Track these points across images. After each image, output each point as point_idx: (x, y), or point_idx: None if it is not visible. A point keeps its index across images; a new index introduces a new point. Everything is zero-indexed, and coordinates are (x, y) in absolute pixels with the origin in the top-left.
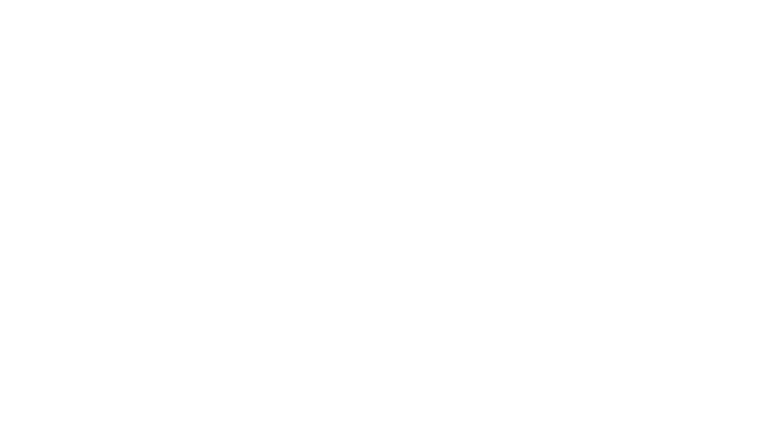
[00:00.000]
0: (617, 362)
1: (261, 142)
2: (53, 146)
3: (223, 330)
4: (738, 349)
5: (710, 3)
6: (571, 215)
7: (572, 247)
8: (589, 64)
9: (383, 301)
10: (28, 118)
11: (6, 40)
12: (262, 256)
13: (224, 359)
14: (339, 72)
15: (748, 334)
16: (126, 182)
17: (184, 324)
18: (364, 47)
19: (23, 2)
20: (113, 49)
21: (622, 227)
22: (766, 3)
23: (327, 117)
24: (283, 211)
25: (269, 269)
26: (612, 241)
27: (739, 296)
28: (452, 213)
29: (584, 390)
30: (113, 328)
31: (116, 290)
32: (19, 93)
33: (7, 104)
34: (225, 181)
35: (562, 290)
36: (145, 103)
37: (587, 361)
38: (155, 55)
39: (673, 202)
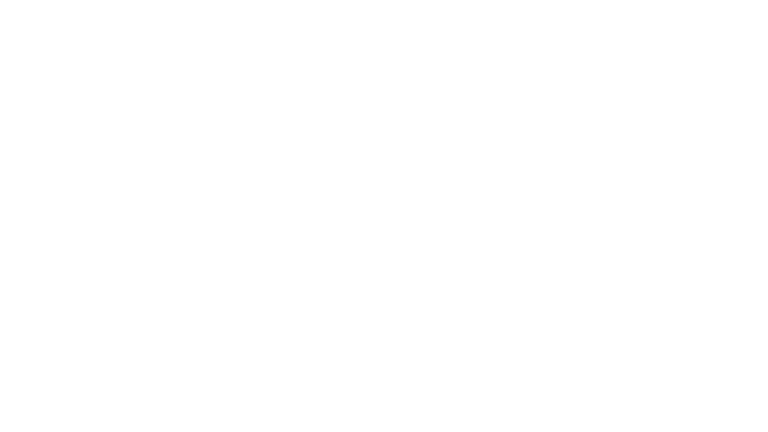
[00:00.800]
0: (617, 362)
1: (261, 142)
2: (53, 146)
3: (223, 330)
4: (738, 349)
5: (710, 3)
6: (571, 215)
7: (572, 247)
8: (589, 64)
9: (383, 301)
10: (28, 118)
11: (6, 40)
12: (262, 256)
13: (224, 359)
14: (339, 72)
15: (748, 334)
16: (126, 182)
17: (184, 324)
18: (364, 47)
19: (23, 2)
20: (113, 49)
21: (622, 227)
22: (766, 3)
23: (327, 117)
24: (283, 211)
25: (269, 269)
26: (612, 241)
27: (739, 296)
28: (452, 213)
29: (584, 390)
30: (113, 328)
31: (116, 290)
32: (19, 93)
33: (7, 104)
34: (225, 181)
35: (562, 290)
36: (146, 103)
37: (587, 361)
38: (155, 55)
39: (673, 202)
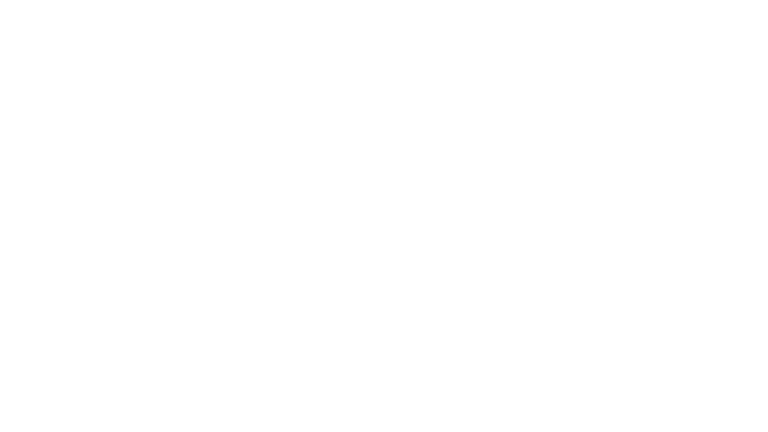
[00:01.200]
0: (617, 362)
1: (261, 142)
2: (53, 146)
3: (223, 330)
4: (738, 350)
5: (710, 3)
6: (571, 215)
7: (572, 248)
8: (589, 64)
9: (383, 302)
10: (28, 118)
11: (6, 40)
12: (262, 256)
13: (224, 359)
14: (339, 72)
15: (748, 335)
16: (126, 182)
17: (184, 324)
18: (364, 47)
19: (23, 2)
20: (113, 49)
21: (623, 227)
22: (766, 3)
23: (327, 117)
24: (283, 211)
25: (269, 269)
26: (612, 242)
27: (739, 296)
28: (452, 213)
29: (584, 390)
30: (113, 329)
31: (116, 290)
32: (19, 93)
33: (7, 104)
34: (225, 181)
35: (562, 290)
36: (145, 103)
37: (587, 362)
38: (155, 55)
39: (672, 203)
